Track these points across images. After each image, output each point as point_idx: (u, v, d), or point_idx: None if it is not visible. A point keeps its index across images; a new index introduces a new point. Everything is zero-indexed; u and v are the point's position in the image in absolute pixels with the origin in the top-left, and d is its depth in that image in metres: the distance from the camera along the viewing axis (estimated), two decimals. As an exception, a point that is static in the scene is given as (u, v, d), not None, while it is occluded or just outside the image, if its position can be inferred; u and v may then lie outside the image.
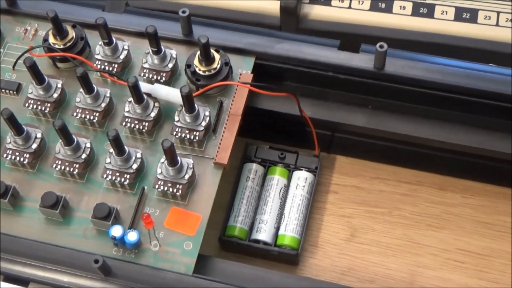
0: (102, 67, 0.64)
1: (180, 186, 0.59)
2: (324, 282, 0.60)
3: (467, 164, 0.68)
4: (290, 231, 0.65)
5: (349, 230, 0.67)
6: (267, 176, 0.67)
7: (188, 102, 0.60)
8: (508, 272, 0.65)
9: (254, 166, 0.68)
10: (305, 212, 0.66)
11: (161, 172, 0.59)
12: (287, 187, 0.67)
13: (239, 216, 0.65)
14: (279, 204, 0.66)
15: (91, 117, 0.62)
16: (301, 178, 0.67)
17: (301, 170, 0.67)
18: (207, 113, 0.62)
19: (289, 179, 0.67)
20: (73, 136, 0.60)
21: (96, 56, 0.64)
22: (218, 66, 0.63)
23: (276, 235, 0.65)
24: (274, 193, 0.66)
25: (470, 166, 0.68)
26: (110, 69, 0.64)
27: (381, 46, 0.62)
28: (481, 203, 0.68)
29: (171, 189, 0.59)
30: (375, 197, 0.68)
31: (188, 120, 0.61)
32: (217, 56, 0.63)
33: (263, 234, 0.65)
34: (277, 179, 0.67)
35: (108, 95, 0.63)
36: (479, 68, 0.64)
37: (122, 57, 0.64)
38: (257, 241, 0.65)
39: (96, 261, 0.55)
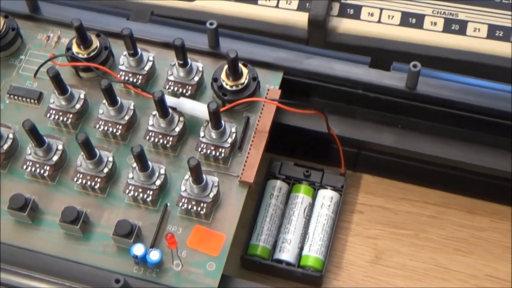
0: (126, 78, 0.62)
1: (205, 205, 0.57)
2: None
3: (497, 187, 0.66)
4: (314, 252, 0.63)
5: (374, 252, 0.65)
6: (291, 194, 0.66)
7: (215, 118, 0.58)
8: (537, 300, 0.63)
9: (278, 183, 0.66)
10: (330, 232, 0.64)
11: (185, 190, 0.58)
12: (311, 205, 0.65)
13: (262, 235, 0.63)
14: (303, 223, 0.64)
15: (114, 130, 0.60)
16: (327, 197, 0.65)
17: (327, 188, 0.66)
18: (233, 130, 0.60)
19: (314, 197, 0.66)
20: (96, 149, 0.58)
21: (120, 67, 0.63)
22: (246, 81, 0.61)
23: (299, 255, 0.63)
24: (299, 212, 0.64)
25: (500, 189, 0.66)
26: (134, 80, 0.63)
27: (414, 66, 0.60)
28: (510, 228, 0.66)
29: (195, 207, 0.57)
30: (402, 218, 0.67)
31: (214, 136, 0.59)
32: (245, 70, 0.61)
33: (286, 254, 0.63)
34: (301, 197, 0.65)
35: (131, 107, 0.61)
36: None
37: (146, 68, 0.63)
38: (280, 261, 0.63)
39: (117, 281, 0.53)
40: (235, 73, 0.60)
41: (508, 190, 0.66)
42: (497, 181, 0.65)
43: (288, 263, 0.63)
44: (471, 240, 0.66)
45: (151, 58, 0.63)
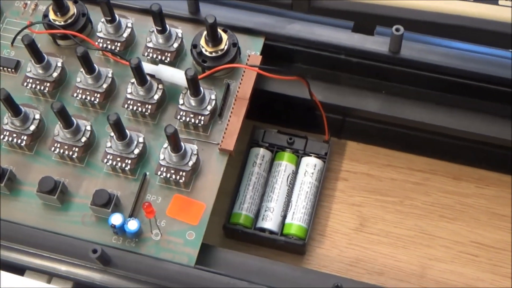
0: (104, 45, 0.61)
1: (184, 173, 0.57)
2: (331, 275, 0.58)
3: (483, 153, 0.65)
4: (297, 220, 0.62)
5: (358, 220, 0.65)
6: (274, 162, 0.65)
7: (193, 85, 0.57)
8: (523, 266, 0.62)
9: (261, 151, 0.65)
10: (313, 200, 0.63)
11: (164, 158, 0.57)
12: (295, 173, 0.64)
13: (245, 203, 0.63)
14: (287, 191, 0.63)
15: (92, 99, 0.59)
16: (310, 165, 0.64)
17: (310, 156, 0.65)
18: (213, 97, 0.59)
19: (297, 165, 0.65)
20: (73, 118, 0.57)
21: (98, 34, 0.62)
22: (226, 47, 0.60)
23: (282, 223, 0.63)
24: (282, 180, 0.64)
25: (486, 155, 0.65)
26: (113, 47, 0.61)
27: (397, 29, 0.59)
28: (496, 194, 0.65)
29: (174, 176, 0.57)
30: (387, 185, 0.66)
31: (193, 103, 0.58)
32: (224, 36, 0.60)
33: (269, 222, 0.62)
34: (285, 165, 0.64)
35: (110, 75, 0.60)
36: (499, 54, 0.61)
37: (125, 35, 0.61)
38: (263, 230, 0.62)
39: (95, 251, 0.53)
40: (214, 39, 0.59)
41: (494, 156, 0.65)
42: (483, 146, 0.64)
43: (271, 232, 0.62)
44: (456, 206, 0.65)
45: (129, 25, 0.62)
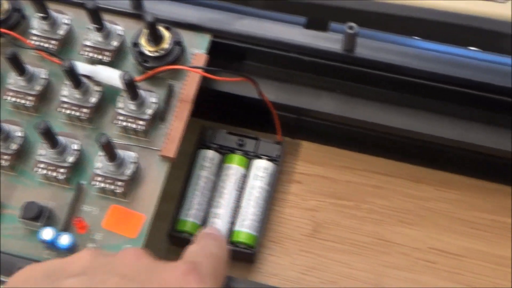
0: (39, 44, 0.57)
1: (121, 183, 0.53)
2: (278, 289, 0.55)
3: (444, 155, 0.62)
4: (246, 227, 0.59)
5: (312, 225, 0.62)
6: (223, 165, 0.61)
7: (131, 89, 0.53)
8: (483, 274, 0.60)
9: (210, 153, 0.61)
10: (264, 206, 0.60)
11: (100, 167, 0.53)
12: (245, 177, 0.61)
13: (191, 210, 0.59)
14: (236, 196, 0.60)
15: (25, 102, 0.56)
16: (261, 168, 0.61)
17: (262, 158, 0.61)
18: (154, 100, 0.55)
19: (248, 168, 0.61)
20: (2, 124, 0.54)
21: (33, 31, 0.58)
22: (168, 46, 0.56)
23: (231, 230, 0.59)
24: (231, 184, 0.60)
25: (447, 157, 0.62)
26: (49, 46, 0.57)
27: (350, 28, 0.55)
28: (457, 198, 0.62)
29: (110, 186, 0.53)
30: (343, 188, 0.63)
31: (132, 107, 0.55)
32: (167, 34, 0.56)
33: (217, 230, 0.59)
34: (234, 168, 0.61)
35: (44, 76, 0.56)
36: (458, 52, 0.58)
37: (61, 32, 0.58)
38: (211, 238, 0.59)
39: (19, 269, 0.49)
40: (155, 38, 0.56)
41: (456, 158, 0.62)
42: (444, 148, 0.61)
43: (219, 239, 0.59)
44: (416, 211, 0.62)
45: (66, 21, 0.58)
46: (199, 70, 0.56)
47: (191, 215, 0.59)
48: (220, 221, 0.59)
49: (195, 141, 0.62)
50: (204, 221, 0.60)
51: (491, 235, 0.61)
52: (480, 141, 0.58)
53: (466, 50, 0.59)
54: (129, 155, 0.54)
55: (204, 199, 0.60)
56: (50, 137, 0.52)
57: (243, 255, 0.59)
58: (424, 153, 0.62)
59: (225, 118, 0.64)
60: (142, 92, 0.55)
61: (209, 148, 0.62)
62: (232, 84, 0.60)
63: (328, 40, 0.58)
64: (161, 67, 0.55)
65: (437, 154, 0.62)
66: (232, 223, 0.60)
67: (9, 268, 0.50)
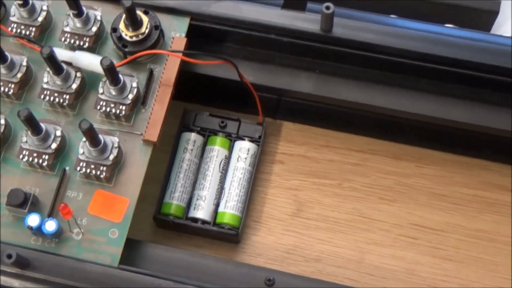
0: (18, 31, 0.57)
1: (104, 168, 0.54)
2: (263, 268, 0.56)
3: (423, 131, 0.63)
4: (230, 208, 0.60)
5: (295, 204, 0.62)
6: (206, 147, 0.62)
7: (111, 74, 0.53)
8: (462, 248, 0.61)
9: (193, 135, 0.62)
10: (247, 186, 0.61)
11: (83, 153, 0.54)
12: (228, 159, 0.62)
13: (176, 192, 0.60)
14: (219, 178, 0.61)
15: (6, 89, 0.56)
16: (243, 149, 0.61)
17: (244, 140, 0.62)
18: (134, 84, 0.56)
19: (230, 150, 0.62)
20: (-16, 112, 0.54)
21: (11, 18, 0.58)
22: (147, 31, 0.56)
23: (215, 212, 0.60)
24: (214, 166, 0.61)
25: (426, 133, 0.63)
26: (28, 33, 0.57)
27: (327, 8, 0.56)
28: (437, 173, 0.63)
29: (94, 171, 0.54)
30: (324, 167, 0.63)
31: (113, 92, 0.55)
32: (145, 19, 0.57)
33: (201, 212, 0.60)
34: (217, 150, 0.61)
35: (24, 63, 0.56)
36: (434, 30, 0.58)
37: (40, 19, 0.58)
38: (195, 220, 0.60)
39: (9, 256, 0.50)
40: (133, 23, 0.56)
41: (434, 133, 0.63)
42: (422, 124, 0.61)
43: (203, 221, 0.60)
44: (396, 187, 0.63)
45: (44, 8, 0.58)
46: (179, 54, 0.57)
47: (175, 197, 0.60)
48: (204, 203, 0.60)
49: (178, 124, 0.62)
50: (189, 204, 0.60)
51: (470, 209, 0.62)
52: (458, 117, 0.59)
53: (442, 27, 0.59)
54: (112, 140, 0.54)
55: (188, 181, 0.61)
56: (32, 124, 0.52)
57: (227, 236, 0.60)
58: (403, 130, 0.63)
59: (206, 100, 0.64)
60: (122, 77, 0.55)
61: (191, 130, 0.62)
62: (212, 66, 0.60)
63: (305, 21, 0.58)
64: (141, 52, 0.56)
65: (416, 131, 0.63)
66: (216, 204, 0.60)
67: (-3, 255, 0.51)
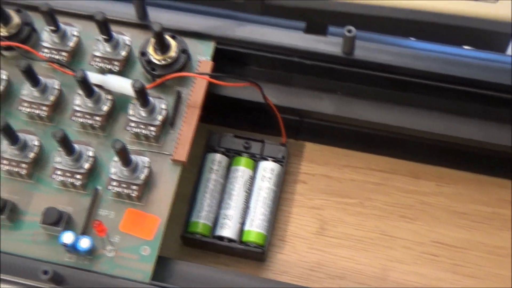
0: (50, 55, 0.59)
1: (136, 187, 0.55)
2: (289, 285, 0.57)
3: (442, 150, 0.64)
4: (256, 226, 0.61)
5: (318, 223, 0.64)
6: (231, 167, 0.64)
7: (142, 96, 0.55)
8: (483, 265, 0.62)
9: (218, 156, 0.64)
10: (272, 206, 0.62)
11: (115, 172, 0.55)
12: (252, 178, 0.63)
13: (202, 211, 0.61)
14: (244, 197, 0.62)
15: (39, 112, 0.58)
16: (267, 169, 0.63)
17: (267, 160, 0.64)
18: (163, 106, 0.57)
19: (254, 170, 0.63)
20: (19, 134, 0.55)
21: (43, 44, 0.60)
22: (175, 55, 0.58)
23: (241, 231, 0.62)
24: (239, 186, 0.62)
25: (445, 152, 0.64)
26: (59, 57, 0.59)
27: (349, 31, 0.58)
28: (456, 192, 0.64)
29: (125, 190, 0.55)
30: (346, 186, 0.65)
31: (143, 114, 0.57)
32: (173, 43, 0.59)
33: (228, 230, 0.61)
34: (242, 170, 0.63)
35: (57, 87, 0.58)
36: (453, 52, 0.60)
37: (71, 44, 0.60)
38: (221, 238, 0.61)
39: (46, 273, 0.51)
40: (162, 47, 0.58)
41: (453, 153, 0.64)
42: (440, 144, 0.63)
43: (230, 240, 0.61)
44: (416, 206, 0.64)
45: (75, 33, 0.60)
46: (206, 76, 0.58)
47: (202, 216, 0.61)
48: (230, 222, 0.61)
49: (203, 145, 0.64)
50: (215, 222, 0.62)
51: (490, 226, 0.63)
52: (476, 136, 0.61)
53: (460, 49, 0.61)
54: (142, 160, 0.56)
55: (214, 201, 0.62)
56: (66, 144, 0.54)
57: (253, 254, 0.61)
58: (422, 149, 0.64)
59: (230, 123, 0.66)
60: (151, 99, 0.57)
61: (216, 151, 0.64)
62: (236, 89, 0.62)
63: (327, 44, 0.60)
64: (170, 75, 0.58)
65: (435, 150, 0.64)
66: (242, 223, 0.62)
67: (33, 272, 0.52)
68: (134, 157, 0.55)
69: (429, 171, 0.65)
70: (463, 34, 0.65)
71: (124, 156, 0.53)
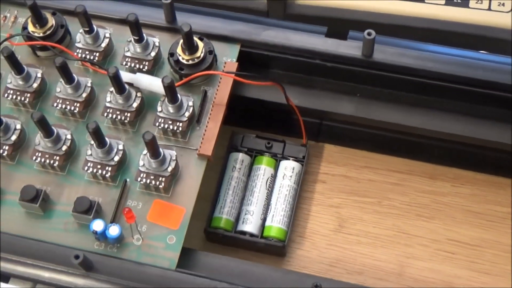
0: (83, 55, 0.62)
1: (163, 179, 0.58)
2: (310, 276, 0.59)
3: (458, 152, 0.66)
4: (277, 222, 0.63)
5: (337, 221, 0.66)
6: (253, 166, 0.66)
7: (171, 92, 0.58)
8: (499, 262, 0.64)
9: (240, 155, 0.66)
10: (292, 203, 0.64)
11: (144, 164, 0.58)
12: (274, 177, 0.66)
13: (225, 207, 0.64)
14: (266, 194, 0.65)
15: (72, 108, 0.60)
16: (288, 168, 0.65)
17: (288, 159, 0.66)
18: (190, 103, 0.60)
19: (276, 168, 0.66)
20: (53, 127, 0.58)
21: (77, 45, 0.63)
22: (202, 55, 0.61)
23: (262, 226, 0.64)
24: (261, 184, 0.65)
25: (461, 154, 0.66)
26: (91, 57, 0.62)
27: (369, 34, 0.60)
28: (471, 192, 0.66)
29: (153, 182, 0.58)
30: (364, 186, 0.67)
31: (171, 110, 0.60)
32: (200, 44, 0.61)
33: (250, 225, 0.63)
34: (263, 169, 0.65)
35: (89, 84, 0.61)
36: (470, 55, 0.63)
37: (103, 45, 0.63)
38: (244, 233, 0.63)
39: (77, 257, 0.53)
40: (190, 47, 0.61)
41: (469, 154, 0.66)
42: (457, 146, 0.65)
43: (251, 235, 0.63)
44: (433, 205, 0.66)
45: (107, 35, 0.63)
46: (231, 75, 0.61)
47: (225, 212, 0.64)
48: (252, 217, 0.64)
49: (227, 145, 0.67)
50: (237, 218, 0.64)
51: (505, 226, 0.65)
52: (493, 138, 0.63)
53: (476, 53, 0.63)
54: (170, 153, 0.58)
55: (237, 197, 0.64)
56: (98, 136, 0.56)
57: (274, 248, 0.63)
58: (439, 151, 0.67)
59: (253, 124, 0.69)
60: (179, 96, 0.59)
61: (239, 151, 0.66)
62: (259, 90, 0.65)
63: (348, 47, 0.63)
64: (198, 73, 0.60)
65: (452, 152, 0.66)
66: (264, 219, 0.64)
67: (65, 258, 0.55)
68: (162, 150, 0.58)
69: (445, 172, 0.67)
70: (479, 42, 0.67)
71: (153, 147, 0.56)
